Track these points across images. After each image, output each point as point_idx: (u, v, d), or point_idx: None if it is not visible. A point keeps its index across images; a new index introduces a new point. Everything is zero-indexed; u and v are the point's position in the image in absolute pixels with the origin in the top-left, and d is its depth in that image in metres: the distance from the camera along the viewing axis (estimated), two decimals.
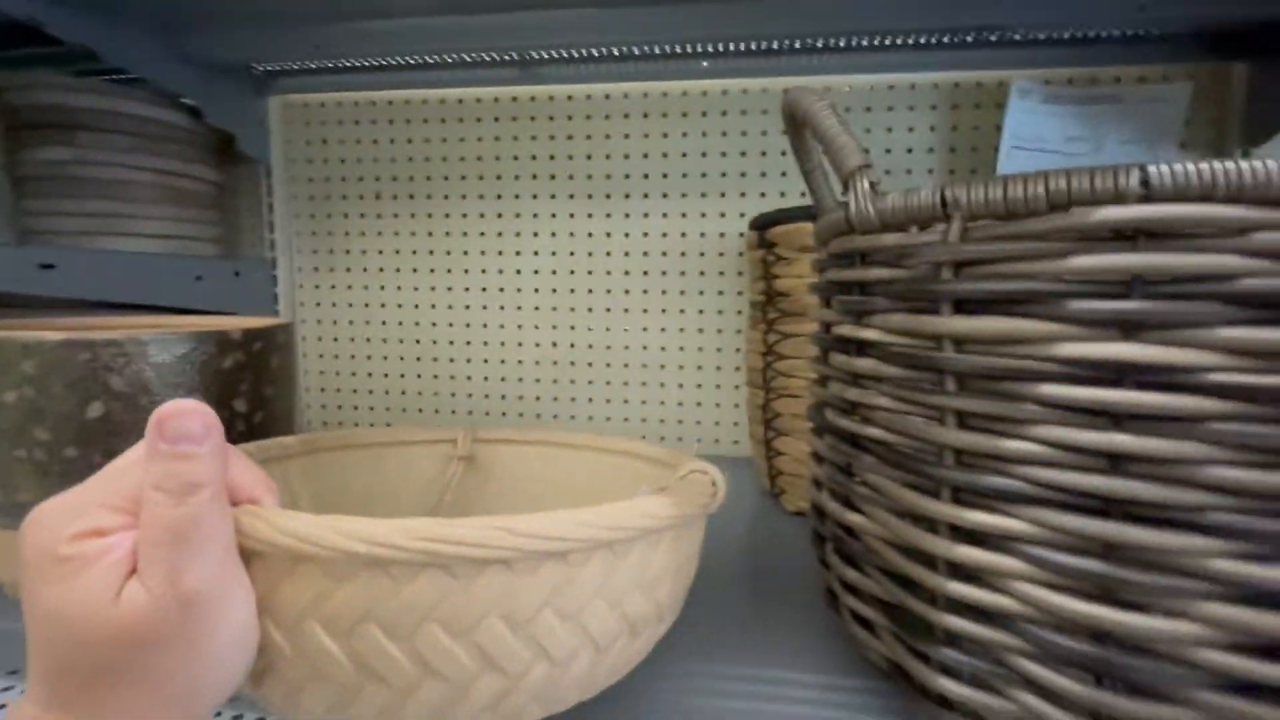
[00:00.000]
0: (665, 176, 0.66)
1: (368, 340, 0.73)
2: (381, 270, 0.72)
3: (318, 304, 0.73)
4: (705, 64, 0.62)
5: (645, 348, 0.69)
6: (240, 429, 0.37)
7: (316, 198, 0.71)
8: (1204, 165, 0.17)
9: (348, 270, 0.72)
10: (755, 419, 0.53)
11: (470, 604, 0.18)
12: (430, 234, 0.70)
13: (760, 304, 0.51)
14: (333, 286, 0.72)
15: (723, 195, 0.65)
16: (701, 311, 0.68)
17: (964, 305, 0.21)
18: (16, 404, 0.31)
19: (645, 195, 0.67)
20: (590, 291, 0.69)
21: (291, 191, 0.72)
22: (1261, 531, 0.16)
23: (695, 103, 0.65)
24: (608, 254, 0.68)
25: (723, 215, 0.66)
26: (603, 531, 0.19)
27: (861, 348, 0.25)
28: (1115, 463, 0.18)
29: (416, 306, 0.72)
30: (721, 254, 0.67)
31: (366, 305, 0.72)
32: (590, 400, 0.70)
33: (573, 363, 0.70)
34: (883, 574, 0.24)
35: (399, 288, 0.72)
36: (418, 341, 0.72)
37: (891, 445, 0.24)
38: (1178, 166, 0.17)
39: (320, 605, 0.18)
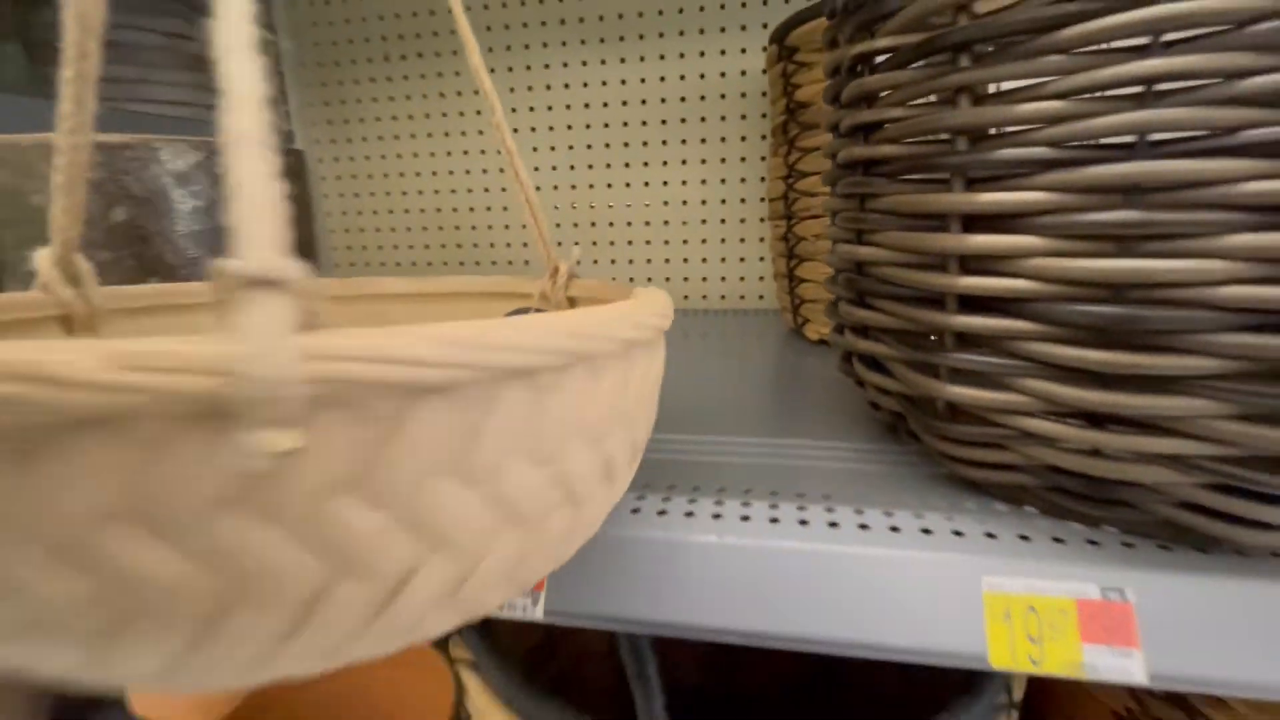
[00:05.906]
0: (681, 11, 0.62)
1: (390, 212, 0.73)
2: (398, 137, 0.71)
3: (338, 177, 0.73)
4: None
5: (666, 203, 0.67)
6: None
7: (326, 64, 0.70)
8: None
9: (364, 140, 0.71)
10: (778, 251, 0.52)
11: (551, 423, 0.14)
12: (442, 94, 0.68)
13: (781, 124, 0.48)
14: (351, 159, 0.72)
15: (743, 28, 0.61)
16: (723, 160, 0.65)
17: None
18: (45, 206, 0.32)
19: (660, 34, 0.63)
20: (607, 146, 0.67)
21: (300, 58, 0.70)
22: None
23: None
24: (623, 103, 0.65)
25: (743, 51, 0.62)
26: (633, 330, 0.15)
27: (874, 67, 0.24)
28: (1142, 98, 0.17)
29: (435, 174, 0.71)
30: (744, 94, 0.63)
31: (385, 175, 0.72)
32: (613, 262, 0.69)
33: (592, 223, 0.69)
34: (892, 301, 0.24)
35: (415, 155, 0.71)
36: (439, 210, 0.72)
37: (903, 158, 0.22)
38: None
39: (461, 451, 0.12)
